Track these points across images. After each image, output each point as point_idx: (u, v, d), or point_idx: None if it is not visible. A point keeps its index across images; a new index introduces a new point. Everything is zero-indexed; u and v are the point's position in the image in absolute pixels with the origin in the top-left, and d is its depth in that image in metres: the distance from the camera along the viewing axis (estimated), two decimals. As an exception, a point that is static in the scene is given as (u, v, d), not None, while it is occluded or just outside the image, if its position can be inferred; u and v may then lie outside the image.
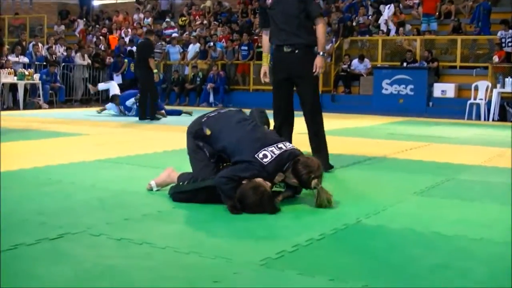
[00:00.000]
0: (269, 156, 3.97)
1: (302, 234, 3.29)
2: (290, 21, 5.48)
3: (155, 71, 12.05)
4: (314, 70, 5.50)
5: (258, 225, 3.50)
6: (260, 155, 3.97)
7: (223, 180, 3.88)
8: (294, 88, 5.77)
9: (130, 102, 12.99)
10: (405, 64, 16.71)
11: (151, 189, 4.42)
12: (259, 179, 3.88)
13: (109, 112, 13.45)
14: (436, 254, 2.97)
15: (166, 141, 8.11)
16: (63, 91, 17.29)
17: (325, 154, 5.62)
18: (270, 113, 4.98)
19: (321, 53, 5.51)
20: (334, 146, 7.62)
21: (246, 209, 3.76)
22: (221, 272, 2.60)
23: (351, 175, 5.46)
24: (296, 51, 5.51)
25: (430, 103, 15.94)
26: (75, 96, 18.59)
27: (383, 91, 16.38)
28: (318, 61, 5.50)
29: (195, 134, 4.31)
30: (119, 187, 4.55)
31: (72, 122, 11.21)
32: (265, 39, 5.84)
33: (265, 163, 3.94)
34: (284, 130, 5.69)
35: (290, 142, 5.14)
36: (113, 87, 14.39)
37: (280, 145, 4.11)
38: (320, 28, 5.53)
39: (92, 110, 13.86)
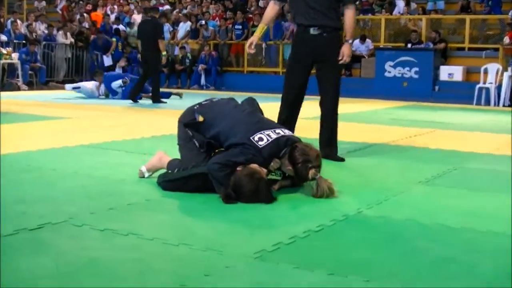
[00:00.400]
0: (265, 140, 3.96)
1: (299, 225, 3.29)
2: (322, 0, 5.42)
3: (163, 53, 12.06)
4: (340, 58, 5.47)
5: (252, 215, 3.50)
6: (256, 138, 3.96)
7: (215, 166, 3.87)
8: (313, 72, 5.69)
9: (116, 84, 12.93)
10: (409, 45, 16.69)
11: (143, 176, 4.42)
12: (255, 165, 3.87)
13: (80, 94, 13.28)
14: (441, 247, 2.98)
15: (154, 125, 8.09)
16: (44, 71, 17.22)
17: (336, 147, 5.59)
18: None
19: (350, 40, 5.50)
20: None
21: (241, 198, 3.75)
22: (213, 265, 2.60)
23: (351, 163, 5.46)
24: (324, 34, 5.45)
25: (436, 87, 15.95)
26: (57, 77, 18.51)
27: (386, 74, 16.37)
28: (346, 49, 5.46)
29: (187, 123, 4.30)
30: (103, 174, 4.54)
31: (53, 105, 11.17)
32: (272, 9, 5.70)
33: (260, 146, 3.93)
34: (292, 114, 5.64)
35: (294, 127, 5.12)
36: (84, 89, 13.46)
37: (278, 130, 4.10)
38: (351, 14, 5.47)
39: (71, 93, 13.76)
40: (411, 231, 3.28)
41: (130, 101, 12.15)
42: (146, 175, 4.42)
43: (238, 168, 3.84)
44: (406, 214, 3.62)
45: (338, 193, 4.05)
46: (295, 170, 3.98)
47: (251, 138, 3.95)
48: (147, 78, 12.25)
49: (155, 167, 4.42)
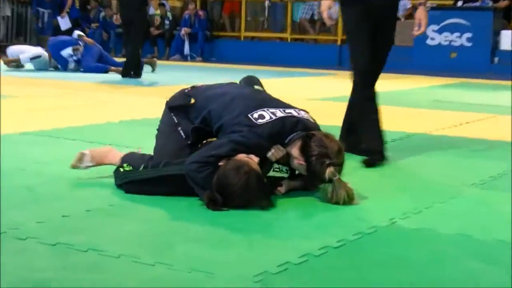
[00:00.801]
0: (267, 117, 3.96)
1: (313, 239, 3.28)
2: None
3: (156, 12, 12.09)
4: (417, 29, 5.43)
5: (251, 226, 3.50)
6: (255, 115, 3.96)
7: (193, 166, 3.85)
8: None
9: (66, 52, 12.94)
10: (460, 3, 16.67)
11: (77, 167, 4.35)
12: (241, 155, 3.83)
13: (29, 66, 13.33)
14: (501, 270, 2.97)
15: (123, 107, 8.10)
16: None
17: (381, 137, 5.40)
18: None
19: (427, 3, 5.47)
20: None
21: (230, 202, 3.73)
22: (199, 291, 2.59)
23: (383, 159, 5.46)
24: None
25: (496, 59, 15.96)
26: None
27: (429, 42, 16.37)
28: (423, 16, 5.43)
29: (172, 106, 4.30)
30: (56, 172, 4.53)
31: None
32: None
33: (258, 124, 3.92)
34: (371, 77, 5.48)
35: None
36: (44, 59, 13.48)
37: (289, 110, 4.10)
38: None
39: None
40: (461, 249, 3.28)
41: (98, 75, 12.21)
42: (84, 165, 4.35)
43: (221, 163, 3.83)
44: (455, 226, 3.61)
45: (364, 199, 4.05)
46: (308, 166, 3.95)
47: (249, 115, 3.95)
48: (129, 43, 12.26)
49: (100, 160, 4.37)
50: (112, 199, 3.93)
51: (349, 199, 3.94)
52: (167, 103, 4.43)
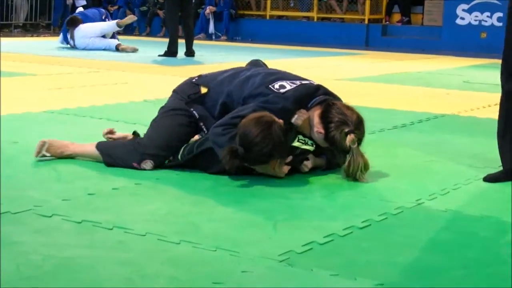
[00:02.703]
0: (288, 87, 4.02)
1: (338, 219, 3.31)
2: None
3: None
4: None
5: (277, 205, 3.53)
6: (276, 86, 4.01)
7: (218, 130, 3.89)
8: None
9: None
10: (490, -19, 16.54)
11: (41, 155, 4.27)
12: (265, 112, 3.86)
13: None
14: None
15: (146, 86, 8.12)
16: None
17: None
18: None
19: None
20: (385, 98, 7.61)
21: (250, 154, 3.73)
22: (224, 270, 2.62)
23: (409, 139, 5.45)
24: None
25: (526, 39, 15.80)
26: (16, 19, 18.57)
27: (458, 21, 16.25)
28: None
29: (188, 101, 4.27)
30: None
31: (12, 56, 11.20)
32: None
33: (282, 92, 3.97)
34: None
35: None
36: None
37: (306, 81, 4.15)
38: None
39: (42, 40, 13.83)
40: (488, 230, 3.28)
41: (118, 52, 12.26)
42: (41, 153, 4.24)
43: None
44: (482, 208, 3.63)
45: (389, 179, 4.07)
46: (327, 133, 3.94)
47: (270, 86, 4.00)
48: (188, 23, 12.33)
49: (60, 150, 4.30)
50: (137, 178, 3.95)
51: (363, 171, 3.95)
52: (175, 89, 4.44)
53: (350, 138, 3.90)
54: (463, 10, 16.20)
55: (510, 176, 4.20)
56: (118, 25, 13.39)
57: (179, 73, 9.12)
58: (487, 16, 15.97)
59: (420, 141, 5.38)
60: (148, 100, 6.93)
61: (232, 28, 18.62)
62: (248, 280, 2.54)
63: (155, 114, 4.39)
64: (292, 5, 19.09)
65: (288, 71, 4.50)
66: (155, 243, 2.89)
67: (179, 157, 4.11)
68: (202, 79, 4.37)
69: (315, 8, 18.36)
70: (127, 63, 11.05)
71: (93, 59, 11.46)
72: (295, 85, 4.04)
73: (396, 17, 18.06)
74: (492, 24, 15.93)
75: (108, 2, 19.92)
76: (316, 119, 3.98)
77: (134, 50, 12.84)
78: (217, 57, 12.55)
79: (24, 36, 14.06)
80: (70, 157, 4.30)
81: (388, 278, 2.60)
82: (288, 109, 3.95)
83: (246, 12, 19.28)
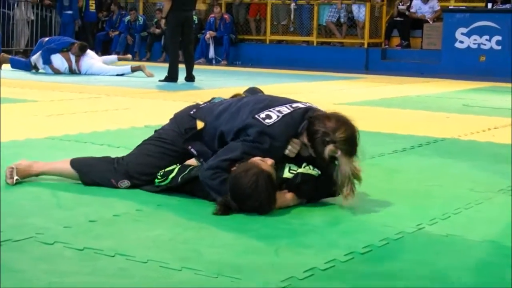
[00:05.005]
0: (274, 117, 3.95)
1: (339, 245, 3.31)
2: None
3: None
4: None
5: (277, 232, 3.53)
6: (262, 115, 3.96)
7: (208, 173, 3.90)
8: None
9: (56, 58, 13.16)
10: (490, 5, 16.55)
11: (12, 182, 4.26)
12: (255, 158, 3.84)
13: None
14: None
15: (147, 111, 8.13)
16: (-1, 39, 17.31)
17: None
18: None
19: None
20: (384, 121, 7.62)
21: (242, 205, 3.75)
22: (226, 296, 2.63)
23: (409, 163, 5.46)
24: None
25: (525, 62, 15.83)
26: (17, 45, 18.60)
27: (457, 45, 16.28)
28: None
29: (186, 138, 4.27)
30: (81, 176, 4.56)
31: (13, 83, 11.23)
32: None
33: (268, 124, 3.92)
34: None
35: None
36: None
37: (296, 104, 4.11)
38: None
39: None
40: (491, 256, 3.28)
41: (117, 77, 12.35)
42: (14, 178, 4.26)
43: (233, 168, 3.86)
44: (483, 232, 3.62)
45: (391, 204, 4.06)
46: (313, 149, 3.89)
47: (256, 116, 3.97)
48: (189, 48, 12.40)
49: (27, 172, 4.33)
50: (138, 204, 3.96)
51: (354, 178, 3.83)
52: (176, 114, 4.47)
53: (329, 149, 3.81)
54: (462, 33, 16.23)
55: None
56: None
57: (180, 98, 9.16)
58: (486, 40, 16.00)
59: (420, 165, 5.39)
60: (149, 125, 6.94)
61: (232, 52, 18.68)
62: (250, 307, 2.54)
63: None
64: (291, 29, 19.14)
65: (286, 95, 4.51)
66: (156, 270, 2.89)
67: (179, 179, 4.13)
68: (199, 113, 4.32)
69: (315, 33, 18.42)
70: (128, 88, 11.08)
71: (94, 84, 11.51)
72: (281, 115, 3.96)
73: (396, 41, 18.11)
74: (491, 48, 15.95)
75: (110, 27, 20.01)
76: (305, 140, 3.94)
77: (150, 75, 12.93)
78: (217, 82, 12.61)
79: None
80: (41, 174, 4.36)
81: (389, 304, 2.60)
82: (275, 147, 3.92)
83: (246, 37, 19.33)
